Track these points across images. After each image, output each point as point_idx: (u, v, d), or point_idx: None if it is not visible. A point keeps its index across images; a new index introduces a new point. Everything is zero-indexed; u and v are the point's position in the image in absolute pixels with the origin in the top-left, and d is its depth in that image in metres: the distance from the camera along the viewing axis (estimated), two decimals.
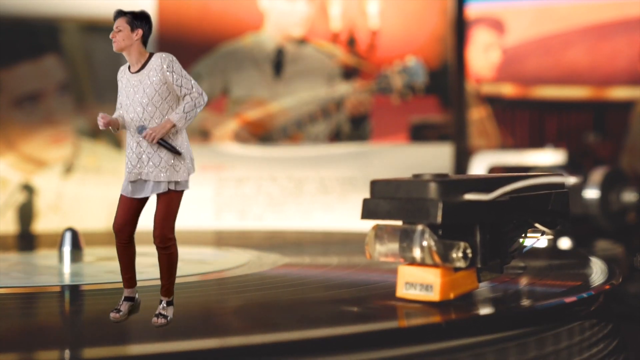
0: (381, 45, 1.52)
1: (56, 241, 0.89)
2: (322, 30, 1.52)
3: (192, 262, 0.86)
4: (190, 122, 0.53)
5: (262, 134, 1.51)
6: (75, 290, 0.73)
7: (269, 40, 1.51)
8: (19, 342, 0.50)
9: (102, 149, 1.45)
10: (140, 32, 0.53)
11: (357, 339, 0.50)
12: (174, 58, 0.53)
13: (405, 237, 0.57)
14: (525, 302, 0.60)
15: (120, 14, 0.54)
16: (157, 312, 0.53)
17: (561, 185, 0.65)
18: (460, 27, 1.57)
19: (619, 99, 1.59)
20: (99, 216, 1.41)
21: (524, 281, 0.68)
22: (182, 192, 0.54)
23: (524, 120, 1.64)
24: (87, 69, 1.46)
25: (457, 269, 0.57)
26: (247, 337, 0.51)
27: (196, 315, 0.59)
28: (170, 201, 0.53)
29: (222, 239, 1.25)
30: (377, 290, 0.66)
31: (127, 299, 0.54)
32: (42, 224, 1.42)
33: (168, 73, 0.53)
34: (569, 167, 1.36)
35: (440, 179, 0.56)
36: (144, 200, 0.54)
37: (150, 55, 0.54)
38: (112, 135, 1.43)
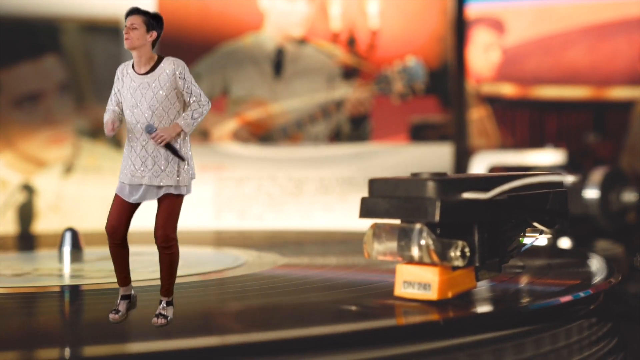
0: (381, 45, 1.53)
1: (56, 241, 0.89)
2: (322, 30, 1.52)
3: (192, 262, 0.86)
4: (195, 128, 0.53)
5: (262, 134, 1.51)
6: (75, 290, 0.73)
7: (269, 40, 1.51)
8: (19, 342, 0.51)
9: (102, 149, 1.45)
10: (154, 34, 0.53)
11: (356, 337, 0.50)
12: (185, 65, 0.53)
13: (404, 236, 0.57)
14: (524, 301, 0.60)
15: (136, 11, 0.53)
16: (157, 312, 0.53)
17: (559, 185, 0.65)
18: (460, 27, 1.57)
19: (619, 99, 1.59)
20: (99, 216, 1.41)
21: (522, 280, 0.68)
22: (183, 195, 0.54)
23: (524, 120, 1.64)
24: (87, 69, 1.46)
25: (455, 268, 0.57)
26: (246, 335, 0.51)
27: (196, 315, 0.59)
28: (172, 203, 0.53)
29: (222, 239, 1.25)
30: (375, 290, 0.66)
31: (123, 297, 0.54)
32: (42, 224, 1.42)
33: (180, 80, 0.53)
34: (569, 167, 1.36)
35: (438, 177, 0.56)
36: (137, 204, 0.54)
37: (160, 58, 0.53)
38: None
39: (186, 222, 1.41)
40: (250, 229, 1.40)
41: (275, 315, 0.58)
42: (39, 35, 1.44)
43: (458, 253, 0.56)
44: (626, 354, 0.65)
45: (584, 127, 1.61)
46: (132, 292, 0.55)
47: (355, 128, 1.52)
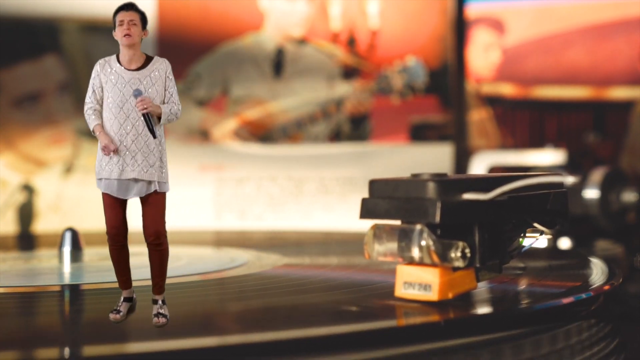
0: (381, 45, 1.52)
1: (56, 241, 0.89)
2: (322, 30, 1.52)
3: (192, 262, 0.86)
4: (164, 123, 0.53)
5: (262, 134, 1.51)
6: (75, 290, 0.73)
7: (269, 40, 1.51)
8: (19, 342, 0.51)
9: None
10: (146, 33, 0.54)
11: (356, 338, 0.50)
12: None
13: (404, 237, 0.57)
14: (524, 302, 0.60)
15: (133, 7, 0.53)
16: (155, 312, 0.53)
17: (560, 185, 0.65)
18: (460, 27, 1.57)
19: (619, 99, 1.59)
20: (99, 216, 1.40)
21: (523, 281, 0.68)
22: (166, 193, 0.54)
23: (524, 121, 1.64)
24: (87, 69, 1.46)
25: (455, 269, 0.57)
26: (246, 335, 0.51)
27: (196, 315, 0.59)
28: (159, 201, 0.53)
29: (222, 239, 1.25)
30: (376, 290, 0.66)
31: (125, 299, 0.54)
32: (42, 224, 1.42)
33: (168, 80, 0.53)
34: (569, 167, 1.36)
35: (438, 178, 0.56)
36: (126, 201, 0.54)
37: (148, 56, 0.54)
38: None
39: (186, 222, 1.41)
40: (250, 229, 1.40)
41: (275, 316, 0.58)
42: (39, 35, 1.44)
43: (458, 254, 0.56)
44: (627, 355, 0.65)
45: (584, 127, 1.61)
46: (134, 295, 0.55)
47: (355, 128, 1.52)
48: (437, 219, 0.54)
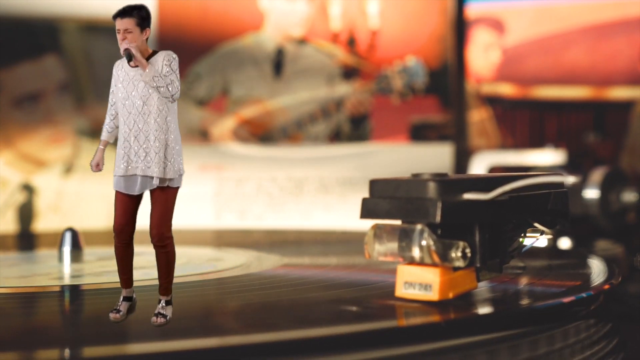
0: (381, 45, 1.52)
1: (56, 241, 0.89)
2: (322, 30, 1.52)
3: (192, 262, 0.86)
4: (152, 85, 0.52)
5: (262, 133, 1.51)
6: (75, 290, 0.73)
7: (269, 40, 1.51)
8: (19, 342, 0.51)
9: None
10: (148, 31, 0.53)
11: (357, 338, 0.50)
12: (177, 58, 0.53)
13: (405, 237, 0.57)
14: (525, 302, 0.60)
15: (126, 14, 0.53)
16: (156, 311, 0.53)
17: (560, 185, 0.65)
18: (460, 27, 1.57)
19: (619, 99, 1.59)
20: (99, 216, 1.41)
21: (523, 281, 0.68)
22: (177, 189, 0.54)
23: (524, 121, 1.64)
24: (87, 69, 1.46)
25: (456, 269, 0.57)
26: (246, 336, 0.51)
27: (196, 315, 0.59)
28: (166, 199, 0.53)
29: (222, 239, 1.25)
30: (376, 290, 0.66)
31: (125, 298, 0.54)
32: (42, 224, 1.42)
33: (165, 66, 0.52)
34: (569, 167, 1.36)
35: (439, 178, 0.56)
36: (139, 198, 0.54)
37: (154, 52, 0.53)
38: None
39: (186, 222, 1.41)
40: (250, 228, 1.40)
41: (275, 316, 0.58)
42: (39, 35, 1.44)
43: (459, 254, 0.56)
44: (626, 354, 0.65)
45: (584, 127, 1.61)
46: (134, 295, 0.55)
47: (355, 128, 1.52)
48: (438, 218, 0.54)
